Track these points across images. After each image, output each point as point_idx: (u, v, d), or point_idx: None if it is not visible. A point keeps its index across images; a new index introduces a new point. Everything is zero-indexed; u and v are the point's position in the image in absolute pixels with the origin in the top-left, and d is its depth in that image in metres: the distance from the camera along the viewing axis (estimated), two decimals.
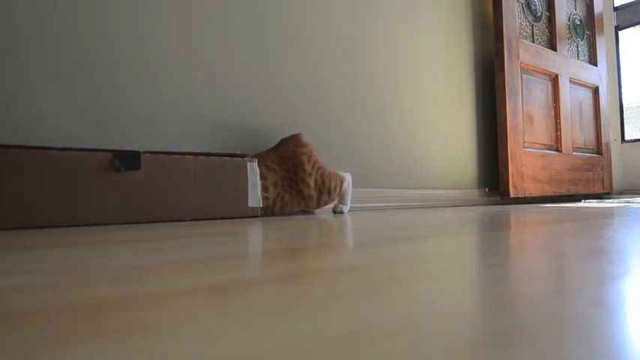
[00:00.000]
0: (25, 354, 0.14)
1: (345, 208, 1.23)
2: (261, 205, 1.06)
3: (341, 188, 1.20)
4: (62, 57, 0.97)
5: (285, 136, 1.18)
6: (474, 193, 1.97)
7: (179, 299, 0.22)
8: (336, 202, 1.24)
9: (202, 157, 0.98)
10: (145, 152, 0.90)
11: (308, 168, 1.14)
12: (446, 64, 1.88)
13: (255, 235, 0.58)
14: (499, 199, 2.06)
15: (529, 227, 0.63)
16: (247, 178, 1.04)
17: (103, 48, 1.02)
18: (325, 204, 1.19)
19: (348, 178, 1.23)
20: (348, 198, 1.23)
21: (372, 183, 1.57)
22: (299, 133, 1.17)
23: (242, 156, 1.06)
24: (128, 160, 0.87)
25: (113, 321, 0.18)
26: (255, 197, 1.05)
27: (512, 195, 1.89)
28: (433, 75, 1.83)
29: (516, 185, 1.92)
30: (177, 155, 0.94)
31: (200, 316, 0.19)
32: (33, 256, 0.37)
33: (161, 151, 0.94)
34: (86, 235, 0.59)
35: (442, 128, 1.85)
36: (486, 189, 2.03)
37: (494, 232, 0.55)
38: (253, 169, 1.05)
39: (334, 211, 1.23)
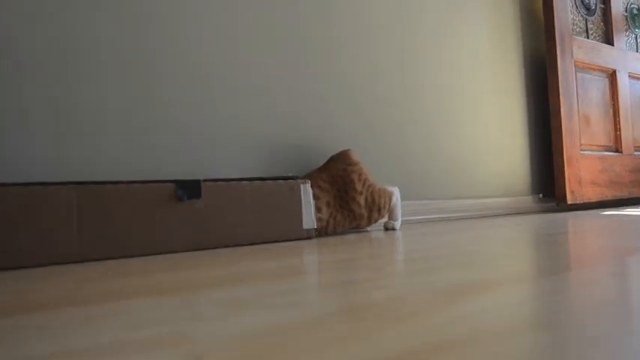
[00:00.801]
0: None
1: (397, 224, 1.21)
2: (315, 227, 1.07)
3: (390, 204, 1.19)
4: (122, 93, 1.02)
5: (334, 154, 1.19)
6: (527, 200, 1.89)
7: None
8: (386, 218, 1.23)
9: (257, 181, 1.00)
10: (204, 180, 0.94)
11: (359, 187, 1.14)
12: (492, 65, 1.82)
13: (331, 272, 0.59)
14: (555, 205, 1.97)
15: (609, 253, 0.59)
16: (301, 200, 1.05)
17: (159, 81, 1.06)
18: (376, 221, 1.19)
19: (396, 192, 1.22)
20: (398, 213, 1.22)
21: (420, 195, 1.54)
22: (348, 150, 1.17)
23: (295, 178, 1.07)
24: (190, 189, 0.90)
25: None
26: (309, 219, 1.06)
27: (569, 201, 1.80)
28: (479, 77, 1.77)
29: (574, 191, 1.82)
30: (234, 181, 0.97)
31: None
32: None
33: (219, 178, 0.97)
34: (165, 273, 0.62)
35: (491, 133, 1.79)
36: (540, 195, 1.94)
37: (581, 272, 0.52)
38: (307, 190, 1.06)
39: (386, 228, 1.22)
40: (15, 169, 0.90)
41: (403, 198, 1.48)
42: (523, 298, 0.42)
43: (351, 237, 1.07)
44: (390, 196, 1.19)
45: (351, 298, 0.43)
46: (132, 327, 0.37)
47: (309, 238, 1.06)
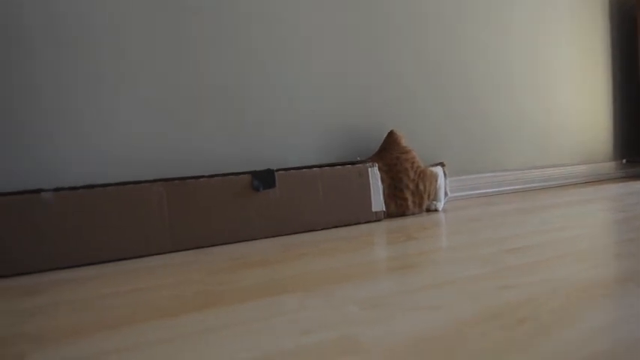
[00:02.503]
0: None
1: (440, 205, 1.17)
2: (384, 209, 1.08)
3: (435, 186, 1.15)
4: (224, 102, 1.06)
5: (386, 138, 1.16)
6: (609, 167, 1.75)
7: None
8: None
9: (327, 168, 1.02)
10: (277, 170, 0.97)
11: (411, 174, 1.12)
12: (573, 19, 1.65)
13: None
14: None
15: None
16: (370, 184, 1.06)
17: (242, 91, 1.09)
18: (421, 206, 1.15)
19: (440, 173, 1.17)
20: (441, 194, 1.17)
21: (494, 166, 1.48)
22: (398, 137, 1.14)
23: (363, 162, 1.07)
24: (265, 179, 0.94)
25: None
26: (377, 201, 1.07)
27: None
28: (557, 29, 1.62)
29: None
30: (305, 169, 1.00)
31: None
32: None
33: (292, 167, 1.00)
34: (284, 264, 0.66)
35: (570, 94, 1.65)
36: (624, 160, 1.78)
37: None
38: (374, 174, 1.06)
39: (428, 209, 1.18)
40: (101, 170, 0.99)
41: (477, 170, 1.43)
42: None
43: (417, 220, 1.07)
44: (436, 177, 1.15)
45: (485, 300, 0.44)
46: (298, 332, 0.41)
47: (378, 220, 1.07)
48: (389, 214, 1.12)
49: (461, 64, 1.42)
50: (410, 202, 1.13)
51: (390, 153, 1.13)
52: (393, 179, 1.12)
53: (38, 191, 0.80)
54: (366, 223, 1.05)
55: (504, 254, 0.64)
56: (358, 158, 1.17)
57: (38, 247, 0.77)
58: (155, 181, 0.87)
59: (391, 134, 1.15)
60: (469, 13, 1.43)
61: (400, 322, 0.41)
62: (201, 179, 0.90)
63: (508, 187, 1.50)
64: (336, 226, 1.02)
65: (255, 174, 0.94)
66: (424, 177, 1.14)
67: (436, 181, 1.16)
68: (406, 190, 1.12)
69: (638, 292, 0.45)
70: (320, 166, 1.02)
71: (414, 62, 1.34)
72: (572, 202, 1.16)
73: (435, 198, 1.18)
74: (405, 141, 1.16)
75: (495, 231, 0.84)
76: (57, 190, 0.80)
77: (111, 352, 0.40)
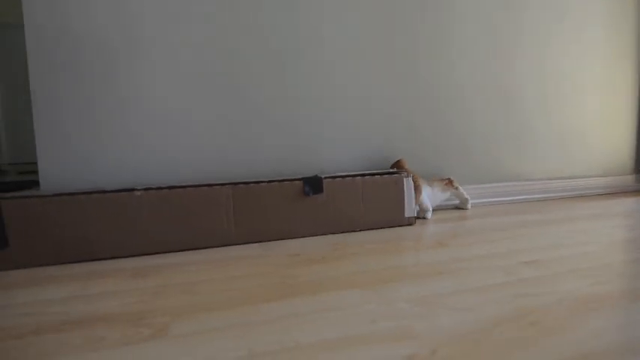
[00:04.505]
0: None
1: (429, 214, 1.30)
2: (415, 215, 1.22)
3: (419, 198, 1.27)
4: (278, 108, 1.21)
5: (393, 162, 1.33)
6: (628, 180, 1.83)
7: None
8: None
9: (368, 177, 1.16)
10: (325, 177, 1.11)
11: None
12: (594, 17, 1.72)
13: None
14: None
15: None
16: (404, 192, 1.19)
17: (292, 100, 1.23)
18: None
19: (425, 188, 1.32)
20: (427, 205, 1.30)
21: (510, 176, 1.59)
22: (402, 160, 1.31)
23: (399, 172, 1.21)
24: (314, 185, 1.09)
25: None
26: (410, 208, 1.20)
27: None
28: (580, 37, 1.70)
29: None
30: (349, 177, 1.14)
31: None
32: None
33: (337, 175, 1.15)
34: (338, 262, 0.81)
35: (592, 106, 1.73)
36: None
37: None
38: (409, 183, 1.20)
39: (418, 217, 1.31)
40: (179, 171, 1.15)
41: (494, 180, 1.55)
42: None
43: (445, 226, 1.20)
44: (420, 191, 1.28)
45: (505, 306, 0.58)
46: (368, 320, 0.56)
47: (409, 224, 1.21)
48: None
49: (484, 77, 1.52)
50: None
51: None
52: None
53: (132, 190, 0.96)
54: (399, 226, 1.19)
55: (522, 266, 0.78)
56: (393, 169, 1.30)
57: (130, 235, 0.94)
58: (224, 184, 1.03)
59: (399, 160, 1.32)
60: (492, 25, 1.52)
61: (441, 318, 0.55)
62: (262, 184, 1.05)
63: (528, 196, 1.61)
64: (373, 228, 1.17)
65: (306, 181, 1.09)
66: (417, 191, 1.27)
67: (420, 194, 1.28)
68: None
69: (630, 307, 0.58)
70: (362, 175, 1.16)
71: (440, 77, 1.45)
72: (588, 217, 1.27)
73: (423, 208, 1.30)
74: (407, 164, 1.34)
75: (515, 242, 0.97)
76: (146, 189, 0.96)
77: (230, 326, 0.56)
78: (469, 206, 1.44)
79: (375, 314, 0.58)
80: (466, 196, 1.43)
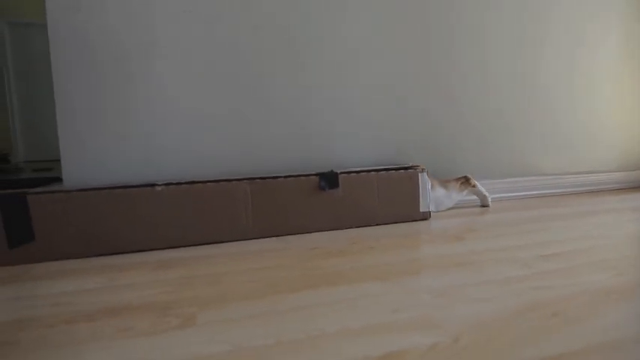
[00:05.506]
0: None
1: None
2: (429, 209, 1.22)
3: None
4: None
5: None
6: None
7: None
8: None
9: (383, 172, 1.16)
10: (341, 172, 1.12)
11: None
12: (609, 11, 1.70)
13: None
14: None
15: None
16: (419, 187, 1.20)
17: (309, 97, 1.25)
18: None
19: (437, 189, 1.31)
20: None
21: (531, 171, 1.59)
22: (467, 177, 1.35)
23: (414, 167, 1.21)
24: (330, 180, 1.10)
25: None
26: (425, 203, 1.21)
27: None
28: (595, 30, 1.68)
29: None
30: (364, 172, 1.15)
31: None
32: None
33: (352, 170, 1.15)
34: (360, 256, 0.82)
35: (612, 105, 1.72)
36: None
37: None
38: (424, 178, 1.20)
39: None
40: (200, 165, 1.17)
41: (513, 175, 1.55)
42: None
43: (460, 221, 1.21)
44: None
45: (525, 297, 0.59)
46: (389, 310, 0.57)
47: (424, 219, 1.21)
48: None
49: (498, 74, 1.52)
50: None
51: None
52: None
53: (153, 185, 0.98)
54: (413, 221, 1.20)
55: (540, 259, 0.78)
56: (409, 164, 1.30)
57: (152, 229, 0.96)
58: (241, 179, 1.04)
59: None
60: (506, 21, 1.51)
61: (461, 309, 0.56)
62: (279, 179, 1.07)
63: (546, 191, 1.60)
64: (388, 223, 1.17)
65: (321, 176, 1.10)
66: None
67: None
68: None
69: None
70: (377, 170, 1.17)
71: (453, 75, 1.45)
72: (604, 211, 1.27)
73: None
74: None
75: (534, 235, 0.97)
76: (167, 184, 0.98)
77: (257, 315, 0.57)
78: (489, 202, 1.41)
79: (397, 304, 0.59)
80: (485, 193, 1.40)
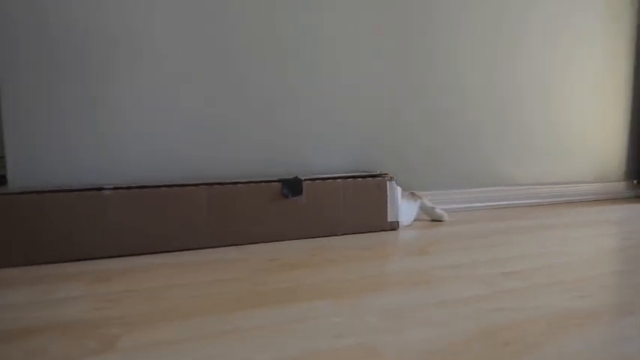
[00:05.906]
0: None
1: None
2: (398, 220, 1.18)
3: None
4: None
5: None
6: (619, 187, 1.81)
7: None
8: None
9: (350, 179, 1.12)
10: (305, 179, 1.08)
11: None
12: (598, 33, 1.70)
13: None
14: None
15: None
16: (387, 196, 1.16)
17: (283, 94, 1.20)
18: None
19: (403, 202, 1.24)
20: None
21: (505, 181, 1.56)
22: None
23: (382, 175, 1.17)
24: (293, 187, 1.05)
25: None
26: (393, 212, 1.17)
27: None
28: (572, 41, 1.67)
29: None
30: (330, 180, 1.10)
31: None
32: None
33: (318, 177, 1.11)
34: (318, 269, 0.78)
35: (588, 116, 1.71)
36: (635, 181, 1.85)
37: None
38: (392, 187, 1.16)
39: None
40: (156, 167, 1.11)
41: (482, 184, 1.52)
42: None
43: (428, 233, 1.17)
44: None
45: (479, 321, 0.55)
46: (331, 335, 0.52)
47: (392, 229, 1.18)
48: None
49: (473, 85, 1.49)
50: None
51: None
52: None
53: (100, 189, 0.92)
54: (382, 231, 1.16)
55: (502, 277, 0.75)
56: (377, 172, 1.26)
57: (98, 236, 0.90)
58: (198, 185, 0.99)
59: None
60: (482, 32, 1.49)
61: (410, 334, 0.52)
62: (239, 185, 1.01)
63: (520, 201, 1.58)
64: (355, 232, 1.13)
65: (284, 182, 1.05)
66: None
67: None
68: None
69: (615, 323, 0.55)
70: (343, 178, 1.13)
71: (429, 83, 1.42)
72: (576, 224, 1.25)
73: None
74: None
75: (498, 250, 0.94)
76: (116, 188, 0.92)
77: (184, 339, 0.52)
78: (445, 218, 1.30)
79: (342, 328, 0.54)
80: (433, 206, 1.31)
